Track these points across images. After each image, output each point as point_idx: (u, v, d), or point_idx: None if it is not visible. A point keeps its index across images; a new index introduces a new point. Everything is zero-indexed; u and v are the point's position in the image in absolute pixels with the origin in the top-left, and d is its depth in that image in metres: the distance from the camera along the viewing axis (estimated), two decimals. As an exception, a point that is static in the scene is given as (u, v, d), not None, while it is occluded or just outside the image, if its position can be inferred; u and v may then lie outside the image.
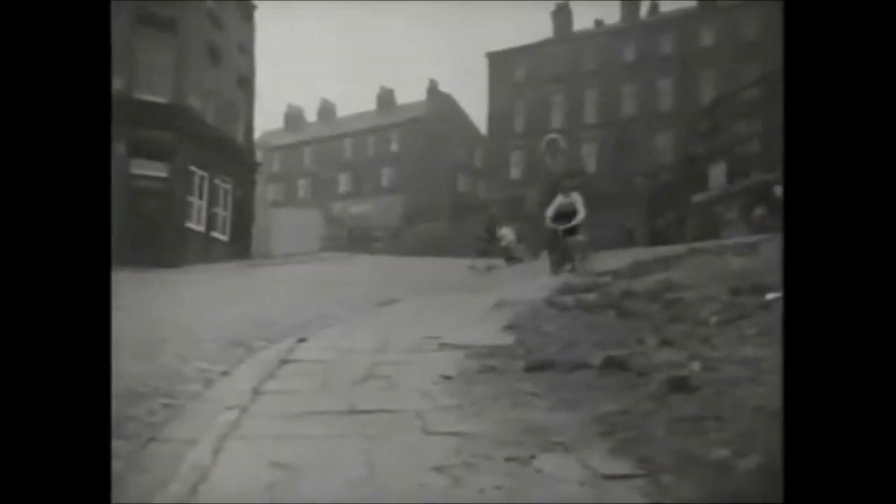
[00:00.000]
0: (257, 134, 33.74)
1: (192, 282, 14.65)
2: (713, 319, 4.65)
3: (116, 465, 2.25)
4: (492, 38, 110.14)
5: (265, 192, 47.14)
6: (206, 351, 4.96)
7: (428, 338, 5.22)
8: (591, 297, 6.93)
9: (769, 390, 2.64)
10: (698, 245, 13.38)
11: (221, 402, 3.32)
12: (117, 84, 17.49)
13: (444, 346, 4.90)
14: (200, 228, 22.73)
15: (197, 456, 2.46)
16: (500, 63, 48.81)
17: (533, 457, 2.42)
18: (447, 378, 3.80)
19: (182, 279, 15.28)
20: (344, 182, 55.32)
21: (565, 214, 12.50)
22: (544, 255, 14.14)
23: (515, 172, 46.66)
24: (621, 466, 2.30)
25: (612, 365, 3.60)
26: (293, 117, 62.02)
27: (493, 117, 49.08)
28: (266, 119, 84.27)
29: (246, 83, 27.37)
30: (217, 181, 23.72)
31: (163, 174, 20.84)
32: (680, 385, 3.04)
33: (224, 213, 24.53)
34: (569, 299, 6.90)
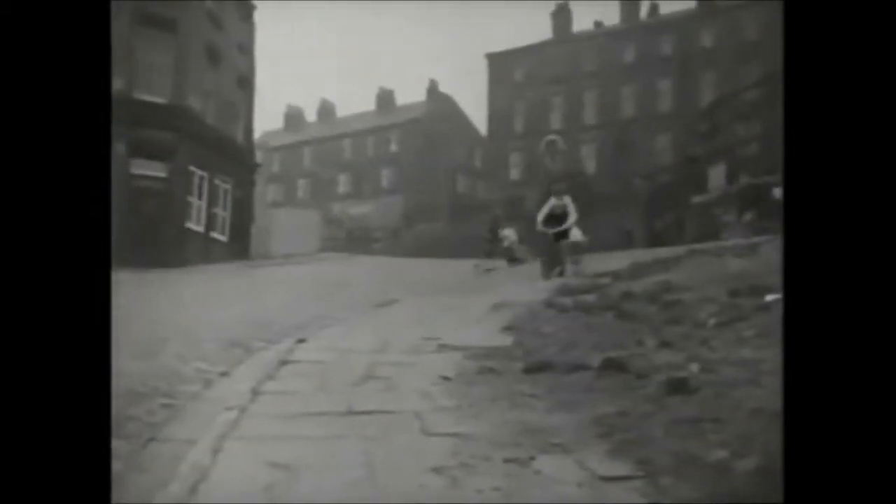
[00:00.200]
0: (257, 134, 33.78)
1: (191, 282, 14.66)
2: (712, 321, 4.66)
3: (116, 465, 2.25)
4: (491, 38, 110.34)
5: (265, 192, 47.14)
6: (205, 351, 4.96)
7: (427, 339, 5.22)
8: (589, 298, 6.94)
9: (768, 392, 2.64)
10: (697, 246, 13.41)
11: (221, 402, 3.32)
12: (117, 84, 17.50)
13: (443, 347, 4.90)
14: (200, 229, 22.72)
15: (196, 456, 2.46)
16: (500, 64, 48.85)
17: (531, 458, 2.42)
18: (446, 379, 3.80)
19: (181, 279, 15.28)
20: (343, 182, 55.33)
21: (557, 217, 12.35)
22: None
23: (515, 173, 46.65)
24: (620, 468, 2.30)
25: (611, 366, 3.60)
26: (293, 117, 62.04)
27: (492, 118, 49.12)
28: (266, 119, 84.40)
29: (245, 83, 27.38)
30: (217, 181, 23.72)
31: (162, 174, 20.84)
32: (678, 387, 3.04)
33: (223, 214, 24.53)
34: (567, 301, 6.90)
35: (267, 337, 5.68)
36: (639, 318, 5.24)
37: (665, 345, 4.13)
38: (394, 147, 53.61)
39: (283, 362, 4.34)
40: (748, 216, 23.69)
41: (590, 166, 43.48)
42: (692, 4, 44.82)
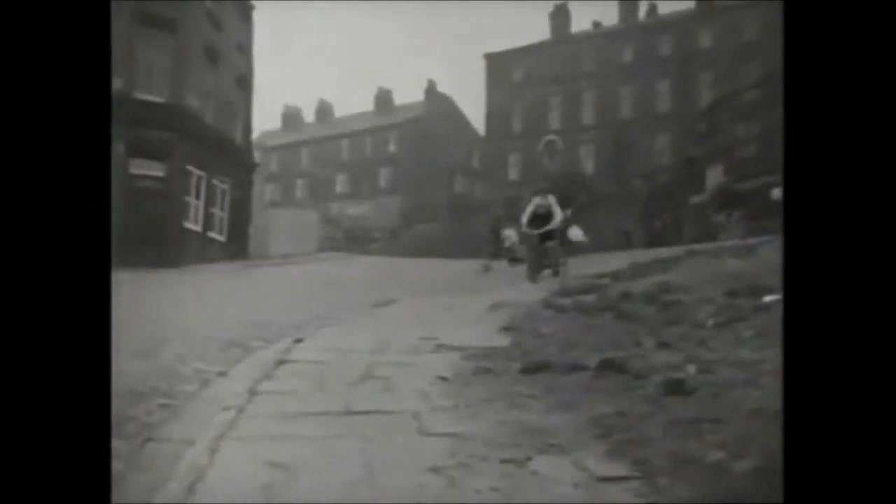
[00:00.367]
0: (255, 134, 33.76)
1: (189, 282, 14.64)
2: (710, 322, 4.66)
3: (116, 465, 2.25)
4: (490, 38, 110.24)
5: (263, 192, 47.12)
6: (203, 351, 4.96)
7: (425, 339, 5.22)
8: (588, 298, 6.94)
9: (766, 392, 2.65)
10: (696, 247, 13.41)
11: (219, 402, 3.32)
12: (117, 84, 17.46)
13: (440, 347, 4.90)
14: (197, 228, 22.68)
15: (194, 456, 2.46)
16: (499, 64, 48.83)
17: (529, 458, 2.42)
18: (444, 379, 3.80)
19: (180, 279, 15.26)
20: (341, 182, 55.27)
21: (542, 217, 12.03)
22: None
23: (513, 173, 46.60)
24: (617, 468, 2.30)
25: (609, 367, 3.61)
26: (291, 117, 61.95)
27: (490, 118, 49.09)
28: (264, 119, 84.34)
29: (244, 83, 27.35)
30: (215, 181, 23.68)
31: (160, 174, 20.80)
32: (676, 387, 3.05)
33: (221, 214, 24.48)
34: (566, 301, 6.91)
35: (265, 337, 5.68)
36: (637, 319, 5.24)
37: (663, 345, 4.14)
38: (392, 147, 53.58)
39: (281, 362, 4.34)
40: (736, 216, 23.73)
41: (588, 167, 43.50)
42: (691, 4, 44.81)
